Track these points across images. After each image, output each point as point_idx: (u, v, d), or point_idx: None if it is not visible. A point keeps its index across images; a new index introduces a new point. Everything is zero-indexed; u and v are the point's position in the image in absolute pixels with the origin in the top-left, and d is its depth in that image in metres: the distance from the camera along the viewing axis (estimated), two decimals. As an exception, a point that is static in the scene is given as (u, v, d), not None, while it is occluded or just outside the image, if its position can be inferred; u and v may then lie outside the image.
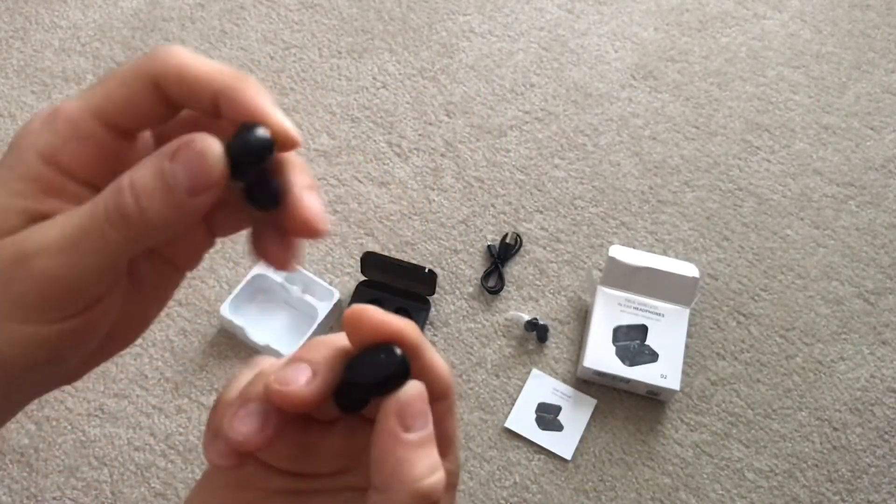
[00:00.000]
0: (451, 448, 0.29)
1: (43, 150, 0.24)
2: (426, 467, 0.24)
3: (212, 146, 0.23)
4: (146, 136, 0.28)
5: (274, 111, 0.24)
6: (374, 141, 1.11)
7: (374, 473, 0.24)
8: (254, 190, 0.25)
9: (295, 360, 0.25)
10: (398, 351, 0.25)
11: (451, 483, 0.28)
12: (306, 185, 0.26)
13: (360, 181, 1.08)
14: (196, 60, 0.25)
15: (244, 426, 0.24)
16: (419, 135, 1.12)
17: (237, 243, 1.01)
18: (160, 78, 0.24)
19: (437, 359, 0.27)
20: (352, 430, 0.28)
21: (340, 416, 0.28)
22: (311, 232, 0.25)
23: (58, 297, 0.24)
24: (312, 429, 0.28)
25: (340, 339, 0.27)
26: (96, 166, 0.25)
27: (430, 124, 1.13)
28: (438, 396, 0.27)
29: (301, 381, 0.25)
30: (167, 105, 0.25)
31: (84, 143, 0.24)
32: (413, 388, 0.25)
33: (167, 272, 0.30)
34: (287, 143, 0.25)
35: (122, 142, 0.26)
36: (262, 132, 0.24)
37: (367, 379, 0.25)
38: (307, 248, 1.02)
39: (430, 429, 0.25)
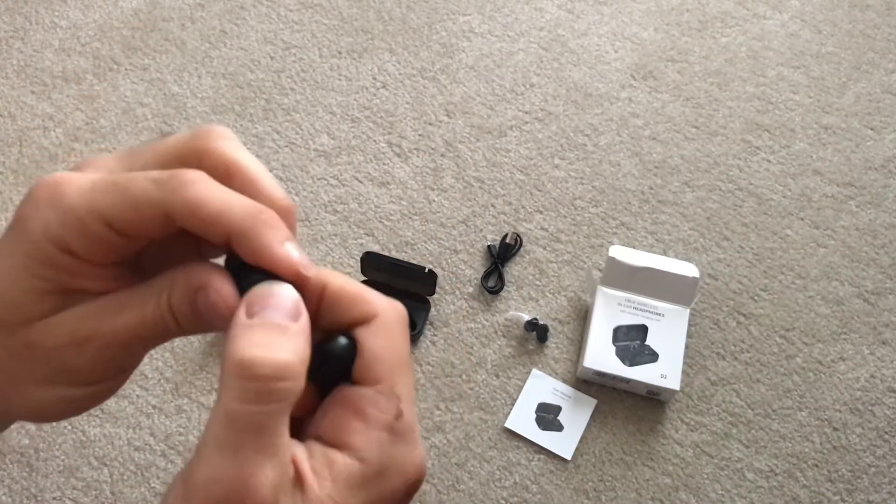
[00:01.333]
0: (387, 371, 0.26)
1: (53, 238, 0.25)
2: (253, 342, 0.23)
3: (225, 298, 0.25)
4: None
5: (286, 254, 0.25)
6: (374, 141, 1.11)
7: None
8: None
9: None
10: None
11: (386, 422, 0.25)
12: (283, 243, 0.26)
13: (360, 181, 1.08)
14: (212, 196, 0.24)
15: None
16: (419, 135, 1.12)
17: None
18: (173, 212, 0.24)
19: (359, 288, 0.27)
20: None
21: None
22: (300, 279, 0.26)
23: (107, 370, 0.27)
24: None
25: None
26: (108, 255, 0.26)
27: (430, 124, 1.13)
28: (367, 318, 0.27)
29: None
30: (178, 227, 0.26)
31: (91, 240, 0.25)
32: (263, 285, 0.25)
33: None
34: (298, 283, 0.26)
35: (128, 241, 0.26)
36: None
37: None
38: (308, 248, 1.02)
39: (276, 318, 0.24)
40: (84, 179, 0.25)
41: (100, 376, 0.27)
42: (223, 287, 0.25)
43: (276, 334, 0.24)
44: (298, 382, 0.23)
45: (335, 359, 0.26)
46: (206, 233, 0.25)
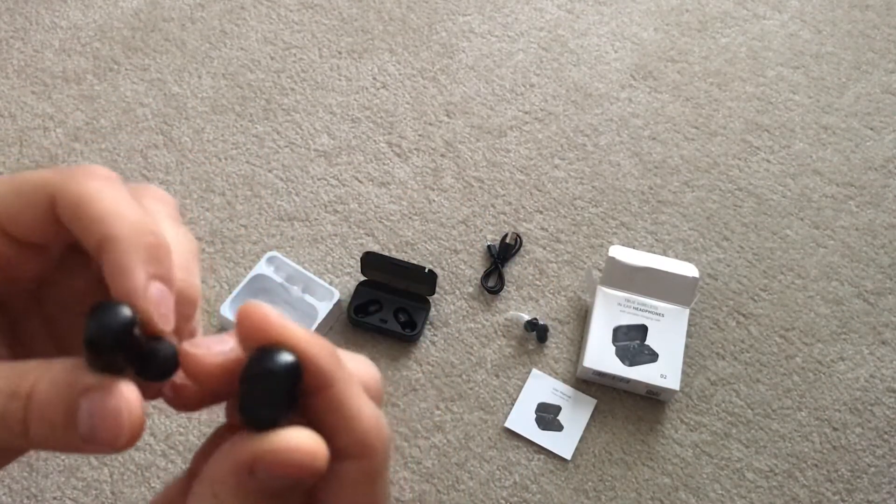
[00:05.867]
0: None
1: None
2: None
3: (129, 414, 0.19)
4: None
5: (142, 287, 0.20)
6: (374, 141, 1.11)
7: None
8: (140, 366, 0.21)
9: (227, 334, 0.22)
10: (286, 355, 0.20)
11: None
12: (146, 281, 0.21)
13: (360, 181, 1.08)
14: (102, 196, 0.21)
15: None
16: (419, 135, 1.12)
17: (237, 243, 1.01)
18: (57, 200, 0.21)
19: (359, 403, 0.21)
20: None
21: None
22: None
23: None
24: None
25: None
26: None
27: (430, 124, 1.13)
28: (348, 454, 0.21)
29: (214, 348, 0.21)
30: (65, 227, 0.22)
31: None
32: (282, 438, 0.19)
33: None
34: (156, 328, 0.20)
35: (20, 251, 0.22)
36: (118, 316, 0.20)
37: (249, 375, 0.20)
38: (308, 248, 1.02)
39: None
40: None
41: None
42: (128, 391, 0.19)
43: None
44: None
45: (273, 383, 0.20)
46: (81, 232, 0.21)
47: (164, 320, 0.21)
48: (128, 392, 0.19)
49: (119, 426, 0.19)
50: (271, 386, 0.20)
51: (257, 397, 0.20)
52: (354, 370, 0.22)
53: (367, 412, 0.21)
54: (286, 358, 0.20)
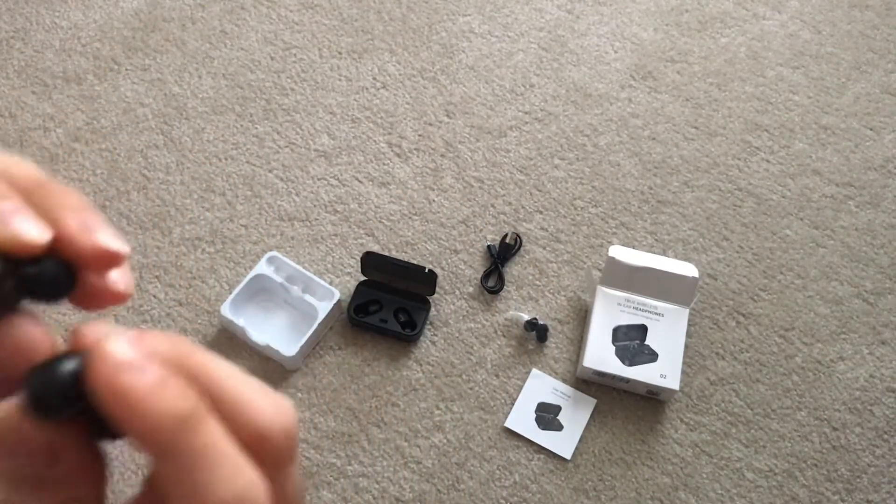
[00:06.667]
0: None
1: None
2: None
3: (33, 338, 0.19)
4: None
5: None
6: (374, 141, 1.11)
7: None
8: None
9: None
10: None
11: None
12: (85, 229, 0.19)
13: (360, 181, 1.08)
14: None
15: None
16: (419, 135, 1.12)
17: (237, 243, 1.01)
18: None
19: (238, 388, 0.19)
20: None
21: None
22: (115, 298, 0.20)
23: None
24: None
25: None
26: None
27: (430, 124, 1.14)
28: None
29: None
30: None
31: None
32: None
33: None
34: (20, 244, 0.18)
35: None
36: None
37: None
38: (308, 248, 1.02)
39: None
40: None
41: None
42: (35, 327, 0.19)
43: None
44: None
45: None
46: None
47: (27, 231, 0.18)
48: (25, 322, 0.19)
49: (34, 354, 0.19)
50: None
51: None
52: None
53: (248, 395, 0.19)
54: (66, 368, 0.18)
